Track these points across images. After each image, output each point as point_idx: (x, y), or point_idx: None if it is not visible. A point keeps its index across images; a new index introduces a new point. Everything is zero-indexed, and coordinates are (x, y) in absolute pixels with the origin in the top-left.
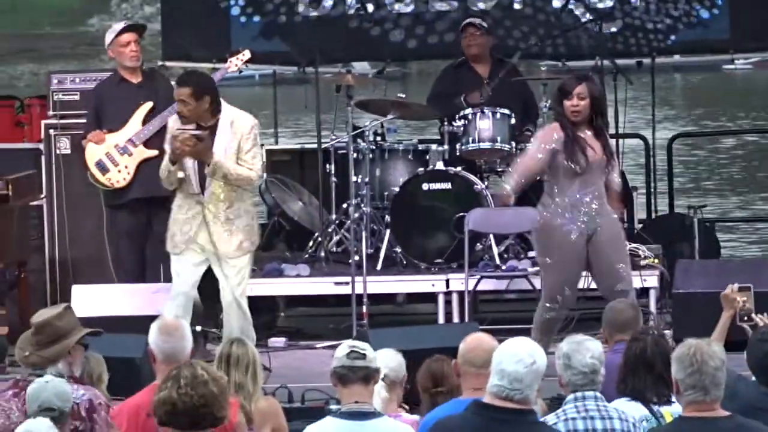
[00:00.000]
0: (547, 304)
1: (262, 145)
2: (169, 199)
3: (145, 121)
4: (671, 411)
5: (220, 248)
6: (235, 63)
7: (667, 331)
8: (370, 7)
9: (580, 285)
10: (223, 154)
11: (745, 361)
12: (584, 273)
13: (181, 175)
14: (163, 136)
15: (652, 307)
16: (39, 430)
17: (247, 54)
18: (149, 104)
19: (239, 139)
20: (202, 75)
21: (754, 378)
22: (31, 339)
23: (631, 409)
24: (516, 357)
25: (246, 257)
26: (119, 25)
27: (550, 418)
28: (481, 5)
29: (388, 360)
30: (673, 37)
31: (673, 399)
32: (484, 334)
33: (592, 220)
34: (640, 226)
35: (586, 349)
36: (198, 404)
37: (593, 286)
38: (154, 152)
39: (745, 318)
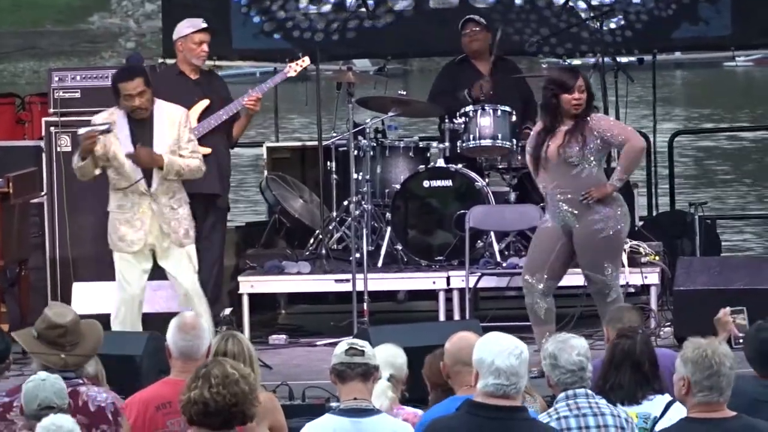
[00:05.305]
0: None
1: (263, 142)
2: (218, 197)
3: (201, 118)
4: (637, 411)
5: (171, 237)
6: (294, 68)
7: (667, 328)
8: (371, 4)
9: (579, 282)
10: (163, 145)
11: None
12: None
13: (98, 171)
14: (215, 134)
15: (653, 305)
16: (64, 424)
17: (306, 60)
18: (206, 102)
19: (177, 129)
20: (141, 64)
21: (753, 372)
22: (59, 341)
23: None
24: (506, 351)
25: (193, 246)
26: (198, 21)
27: (542, 417)
28: (481, 4)
29: (392, 359)
30: (674, 34)
31: (642, 401)
32: (465, 332)
33: (563, 217)
34: (641, 223)
35: (572, 347)
36: (230, 403)
37: None
38: (207, 150)
39: (740, 341)
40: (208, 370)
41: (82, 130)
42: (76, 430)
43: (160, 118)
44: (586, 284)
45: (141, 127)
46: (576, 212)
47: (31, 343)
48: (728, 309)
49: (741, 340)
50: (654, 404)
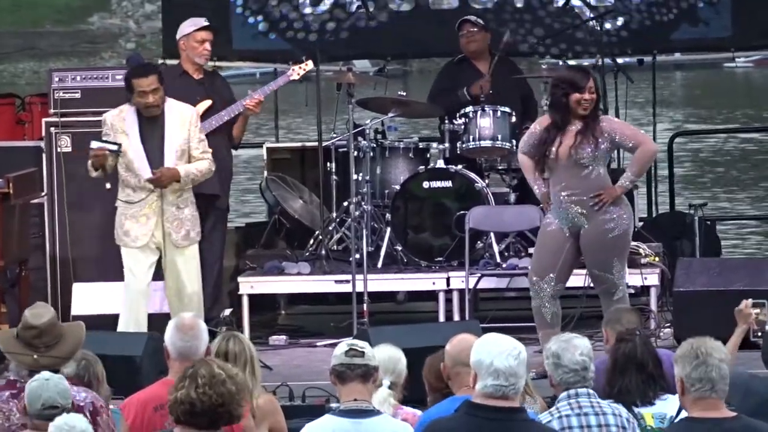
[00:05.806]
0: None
1: (263, 143)
2: (217, 197)
3: (203, 118)
4: (652, 412)
5: (171, 237)
6: (297, 72)
7: (667, 330)
8: (371, 5)
9: (580, 283)
10: (173, 143)
11: (748, 360)
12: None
13: (99, 174)
14: (216, 135)
15: (653, 306)
16: (77, 424)
17: (310, 64)
18: (209, 102)
19: (188, 128)
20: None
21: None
22: (34, 342)
23: None
24: (505, 352)
25: (194, 247)
26: (201, 20)
27: (544, 416)
28: (480, 5)
29: (392, 366)
30: (673, 35)
31: (655, 401)
32: (465, 334)
33: (572, 219)
34: (641, 224)
35: (575, 346)
36: (216, 403)
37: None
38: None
39: (759, 334)
40: (195, 370)
41: (93, 144)
42: (89, 430)
43: (170, 116)
44: (588, 284)
45: (151, 125)
46: (585, 212)
47: (8, 343)
48: (750, 301)
49: (759, 334)
50: (668, 404)
